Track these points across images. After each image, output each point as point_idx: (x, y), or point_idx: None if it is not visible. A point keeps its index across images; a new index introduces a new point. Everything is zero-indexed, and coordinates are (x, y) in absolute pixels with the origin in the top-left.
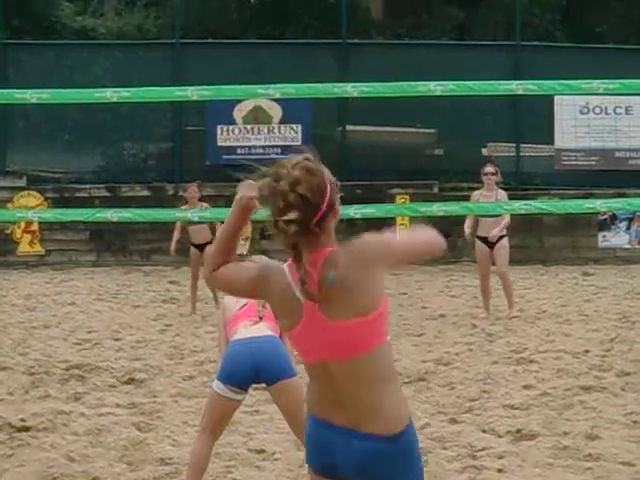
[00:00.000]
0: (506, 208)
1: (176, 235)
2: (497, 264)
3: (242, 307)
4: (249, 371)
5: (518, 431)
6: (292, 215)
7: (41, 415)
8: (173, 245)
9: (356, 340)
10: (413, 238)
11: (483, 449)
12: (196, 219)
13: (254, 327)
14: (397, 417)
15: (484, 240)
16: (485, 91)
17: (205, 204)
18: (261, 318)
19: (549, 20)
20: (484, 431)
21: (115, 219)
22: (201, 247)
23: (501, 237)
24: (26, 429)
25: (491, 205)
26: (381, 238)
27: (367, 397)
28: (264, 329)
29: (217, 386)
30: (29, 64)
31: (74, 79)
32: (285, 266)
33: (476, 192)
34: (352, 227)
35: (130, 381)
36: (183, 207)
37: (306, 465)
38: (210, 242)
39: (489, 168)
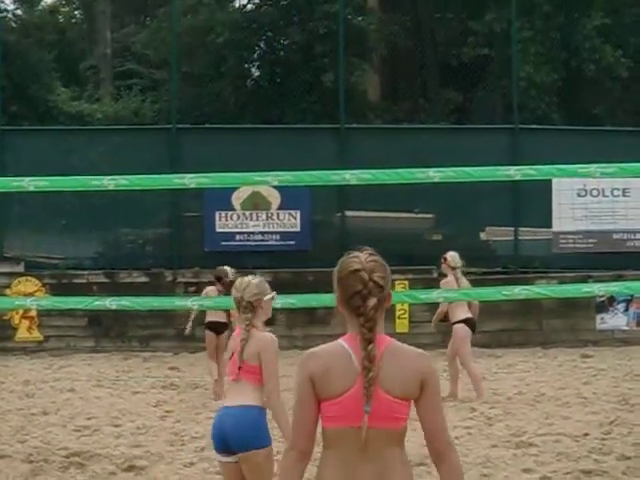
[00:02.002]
0: (505, 293)
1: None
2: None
3: (230, 356)
4: (218, 440)
5: None
6: (372, 301)
7: None
8: (189, 325)
9: (398, 414)
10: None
11: None
12: (196, 307)
13: (235, 390)
14: (411, 474)
15: (471, 323)
16: (484, 177)
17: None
18: (240, 368)
19: (546, 102)
20: None
21: (114, 307)
22: (215, 328)
23: (455, 324)
24: None
25: (489, 291)
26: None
27: (392, 455)
28: (241, 395)
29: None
30: (26, 149)
31: (70, 164)
32: (342, 340)
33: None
34: None
35: (130, 468)
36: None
37: None
38: (225, 324)
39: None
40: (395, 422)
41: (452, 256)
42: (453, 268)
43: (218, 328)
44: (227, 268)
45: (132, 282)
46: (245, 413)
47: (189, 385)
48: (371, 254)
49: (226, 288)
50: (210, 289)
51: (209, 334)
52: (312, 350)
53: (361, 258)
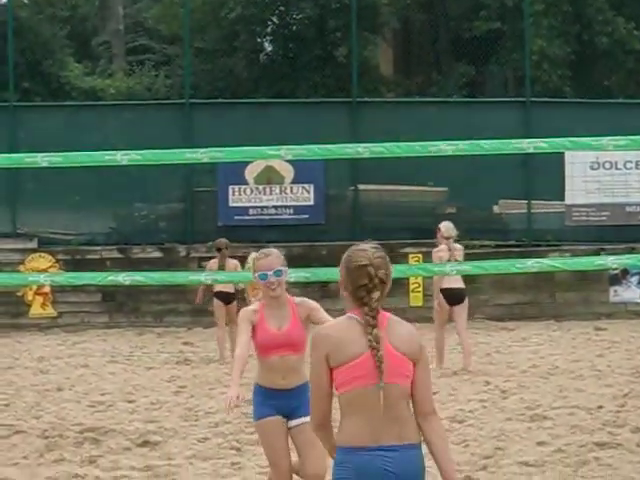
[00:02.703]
0: (518, 267)
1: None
2: (456, 323)
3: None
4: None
5: None
6: (376, 295)
7: (56, 479)
8: (200, 294)
9: (406, 372)
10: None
11: None
12: (209, 282)
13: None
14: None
15: (447, 294)
16: (496, 150)
17: (234, 262)
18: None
19: (558, 75)
20: None
21: (127, 282)
22: (223, 298)
23: (463, 295)
24: None
25: (503, 264)
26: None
27: (406, 415)
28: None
29: None
30: (39, 125)
31: (83, 140)
32: (351, 314)
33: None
34: None
35: (145, 443)
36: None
37: None
38: (233, 294)
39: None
40: (405, 379)
41: (445, 226)
42: (447, 238)
43: (226, 298)
44: (224, 240)
45: (146, 257)
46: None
47: (203, 360)
48: (377, 249)
49: (222, 259)
50: (212, 262)
51: (217, 304)
52: (324, 330)
53: (369, 253)
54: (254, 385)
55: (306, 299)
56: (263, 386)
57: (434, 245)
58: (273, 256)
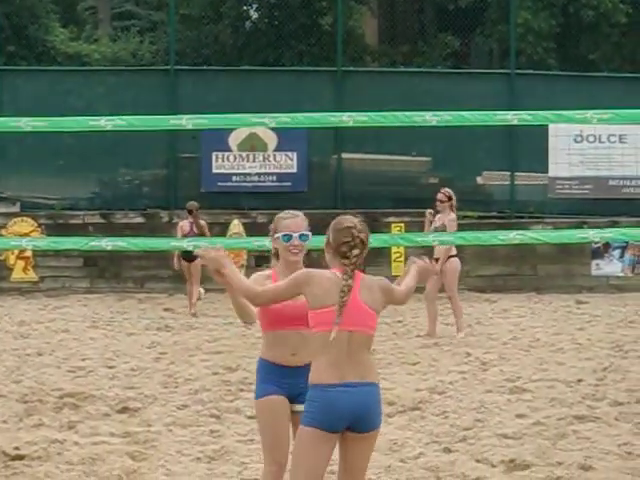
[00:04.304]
0: (501, 238)
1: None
2: (446, 287)
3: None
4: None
5: (511, 461)
6: (355, 252)
7: (35, 444)
8: (175, 260)
9: (372, 323)
10: (409, 291)
11: (477, 479)
12: (191, 248)
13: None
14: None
15: (436, 261)
16: (480, 121)
17: (202, 222)
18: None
19: (543, 48)
20: (478, 461)
21: (109, 248)
22: (186, 257)
23: (449, 258)
24: (20, 458)
25: (485, 235)
26: (392, 286)
27: (367, 358)
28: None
29: None
30: (23, 89)
31: (68, 104)
32: (333, 270)
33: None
34: None
35: (124, 410)
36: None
37: (312, 430)
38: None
39: (439, 195)
40: (369, 329)
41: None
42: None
43: (189, 255)
44: (195, 203)
45: (128, 223)
46: None
47: (183, 327)
48: (360, 220)
49: (195, 221)
50: (183, 223)
51: (183, 263)
52: (311, 272)
53: (353, 219)
54: (258, 360)
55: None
56: (270, 361)
57: (421, 214)
58: (300, 218)
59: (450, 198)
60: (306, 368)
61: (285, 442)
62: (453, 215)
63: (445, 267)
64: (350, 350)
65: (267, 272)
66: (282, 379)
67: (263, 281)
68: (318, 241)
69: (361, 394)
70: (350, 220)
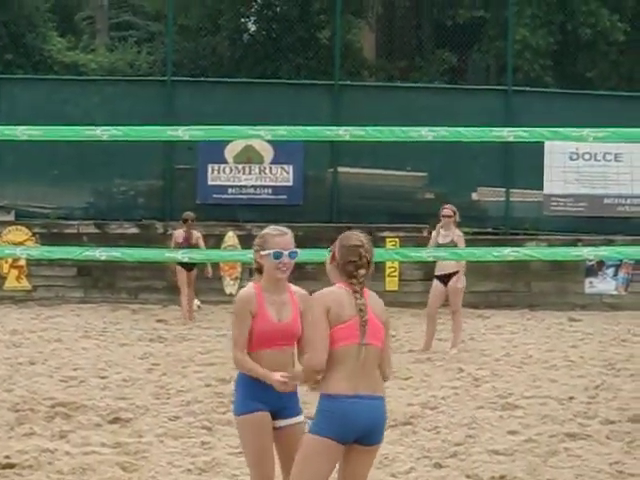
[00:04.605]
0: (495, 254)
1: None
2: (450, 302)
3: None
4: None
5: (502, 477)
6: (362, 272)
7: (26, 452)
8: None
9: (382, 337)
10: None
11: None
12: (186, 260)
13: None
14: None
15: (439, 278)
16: (477, 138)
17: (197, 233)
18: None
19: (540, 65)
20: (468, 476)
21: (103, 258)
22: (184, 263)
23: (454, 274)
24: (11, 466)
25: (480, 252)
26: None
27: (377, 372)
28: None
29: None
30: (20, 98)
31: (65, 114)
32: (340, 285)
33: (434, 232)
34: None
35: (116, 420)
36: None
37: (322, 439)
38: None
39: (446, 211)
40: (380, 342)
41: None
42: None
43: (187, 264)
44: (192, 214)
45: (123, 233)
46: None
47: (176, 338)
48: (367, 238)
49: (188, 230)
50: (178, 232)
51: (179, 270)
52: (321, 291)
53: (362, 238)
54: (239, 375)
55: (303, 291)
56: (252, 377)
57: (416, 229)
58: (289, 235)
59: (455, 213)
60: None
61: (271, 458)
62: (459, 231)
63: (453, 282)
64: (364, 363)
65: (250, 290)
66: (265, 394)
67: (250, 306)
68: (313, 254)
69: (372, 407)
70: (358, 238)
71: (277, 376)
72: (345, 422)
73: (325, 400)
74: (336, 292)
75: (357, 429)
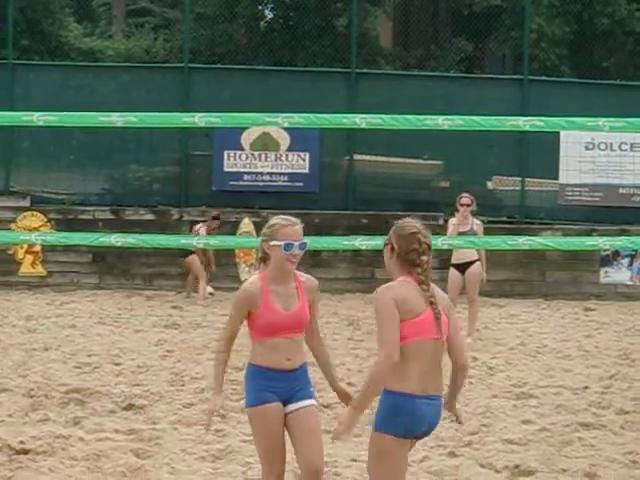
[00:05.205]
0: (510, 243)
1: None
2: (468, 291)
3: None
4: None
5: (516, 467)
6: (425, 257)
7: (40, 438)
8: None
9: (446, 331)
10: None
11: None
12: (201, 246)
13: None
14: None
15: (457, 267)
16: (492, 126)
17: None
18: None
19: (557, 55)
20: (482, 466)
21: (119, 244)
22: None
23: (472, 262)
24: (25, 452)
25: (495, 240)
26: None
27: (441, 368)
28: None
29: None
30: (36, 84)
31: (81, 100)
32: (405, 278)
33: (453, 220)
34: (358, 257)
35: (130, 407)
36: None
37: (391, 437)
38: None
39: (465, 199)
40: (444, 336)
41: None
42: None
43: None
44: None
45: (138, 219)
46: None
47: (191, 325)
48: (421, 223)
49: (210, 226)
50: (199, 226)
51: (193, 258)
52: (387, 285)
53: (417, 224)
54: (248, 366)
55: (311, 278)
56: (262, 367)
57: (432, 217)
58: (299, 226)
59: (472, 202)
60: (299, 370)
61: (282, 450)
62: (477, 220)
63: (471, 270)
64: (434, 359)
65: (255, 283)
66: (277, 384)
67: (253, 298)
68: (328, 242)
69: (436, 408)
70: (413, 225)
71: (213, 404)
72: (412, 422)
73: (393, 397)
74: (403, 285)
75: (421, 429)
